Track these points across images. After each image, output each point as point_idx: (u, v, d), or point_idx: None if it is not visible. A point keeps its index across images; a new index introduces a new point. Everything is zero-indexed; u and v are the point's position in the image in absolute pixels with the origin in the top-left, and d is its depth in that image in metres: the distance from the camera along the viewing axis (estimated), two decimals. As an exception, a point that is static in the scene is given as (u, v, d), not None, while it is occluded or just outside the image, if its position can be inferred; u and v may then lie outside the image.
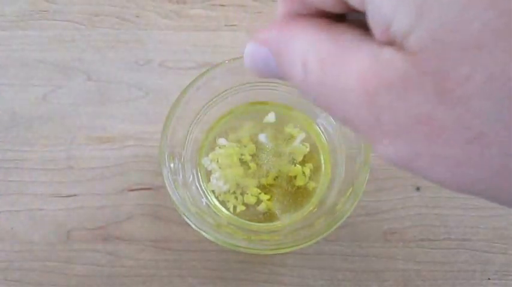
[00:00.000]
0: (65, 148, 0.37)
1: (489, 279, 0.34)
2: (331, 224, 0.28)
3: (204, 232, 0.28)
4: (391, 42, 0.12)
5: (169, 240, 0.35)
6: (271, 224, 0.34)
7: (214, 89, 0.33)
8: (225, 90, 0.34)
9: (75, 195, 0.36)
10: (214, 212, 0.34)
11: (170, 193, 0.29)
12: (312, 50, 0.14)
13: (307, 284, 0.34)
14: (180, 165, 0.32)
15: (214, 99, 0.34)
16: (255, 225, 0.34)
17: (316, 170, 0.35)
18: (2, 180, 0.36)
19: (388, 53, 0.12)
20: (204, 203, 0.34)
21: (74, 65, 0.40)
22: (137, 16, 0.41)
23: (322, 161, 0.35)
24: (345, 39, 0.13)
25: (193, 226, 0.28)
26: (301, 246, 0.28)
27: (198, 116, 0.34)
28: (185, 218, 0.28)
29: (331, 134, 0.34)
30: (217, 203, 0.34)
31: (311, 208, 0.34)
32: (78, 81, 0.39)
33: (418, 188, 0.36)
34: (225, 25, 0.41)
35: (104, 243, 0.35)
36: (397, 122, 0.12)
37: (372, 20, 0.12)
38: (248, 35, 0.40)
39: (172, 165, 0.30)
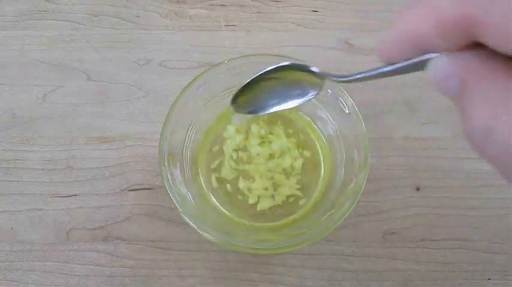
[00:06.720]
0: (65, 148, 0.37)
1: (489, 279, 0.34)
2: (331, 224, 0.28)
3: (204, 231, 0.28)
4: None
5: (169, 240, 0.35)
6: (271, 224, 0.34)
7: (214, 89, 0.33)
8: (225, 90, 0.34)
9: (75, 195, 0.36)
10: (214, 212, 0.34)
11: (169, 193, 0.29)
12: (496, 111, 0.13)
13: (307, 284, 0.34)
14: (179, 165, 0.32)
15: (214, 99, 0.34)
16: (255, 225, 0.34)
17: (315, 170, 0.35)
18: (2, 180, 0.36)
19: None
20: (204, 203, 0.34)
21: (74, 65, 0.40)
22: (137, 16, 0.41)
23: (322, 162, 0.35)
24: None
25: (193, 226, 0.28)
26: (301, 246, 0.28)
27: (198, 115, 0.34)
28: (185, 218, 0.28)
29: (331, 135, 0.34)
30: (217, 203, 0.34)
31: (310, 208, 0.34)
32: (78, 81, 0.39)
33: (418, 188, 0.36)
34: (225, 25, 0.41)
35: (104, 243, 0.35)
36: None
37: None
38: (248, 34, 0.40)
39: (171, 165, 0.30)
